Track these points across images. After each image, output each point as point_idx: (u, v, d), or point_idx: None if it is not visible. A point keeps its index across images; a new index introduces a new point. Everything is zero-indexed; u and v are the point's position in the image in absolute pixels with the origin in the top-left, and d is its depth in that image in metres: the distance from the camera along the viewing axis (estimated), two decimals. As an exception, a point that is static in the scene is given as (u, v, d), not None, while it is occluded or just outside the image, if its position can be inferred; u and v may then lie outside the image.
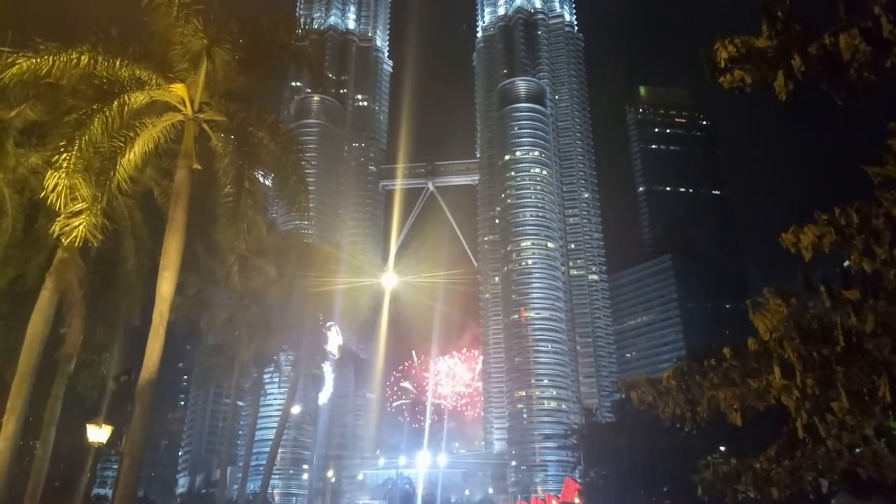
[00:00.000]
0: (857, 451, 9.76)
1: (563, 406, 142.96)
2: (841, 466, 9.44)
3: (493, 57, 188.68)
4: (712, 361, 9.21)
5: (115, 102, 16.57)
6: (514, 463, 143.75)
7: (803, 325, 7.75)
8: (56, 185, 15.32)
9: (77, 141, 15.66)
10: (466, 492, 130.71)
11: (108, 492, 50.64)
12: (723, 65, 7.71)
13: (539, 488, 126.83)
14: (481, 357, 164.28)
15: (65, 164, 15.43)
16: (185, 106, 18.23)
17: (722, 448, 29.28)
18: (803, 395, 7.75)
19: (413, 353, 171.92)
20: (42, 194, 15.96)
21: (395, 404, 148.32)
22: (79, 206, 15.98)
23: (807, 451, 9.18)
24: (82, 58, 16.65)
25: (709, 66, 7.87)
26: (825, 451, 8.75)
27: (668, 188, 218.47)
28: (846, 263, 7.87)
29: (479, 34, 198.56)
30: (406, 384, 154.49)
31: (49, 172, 15.50)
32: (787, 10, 7.42)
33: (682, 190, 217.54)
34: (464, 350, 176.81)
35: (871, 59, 6.89)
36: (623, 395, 46.47)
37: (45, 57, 16.45)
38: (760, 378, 8.48)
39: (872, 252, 7.20)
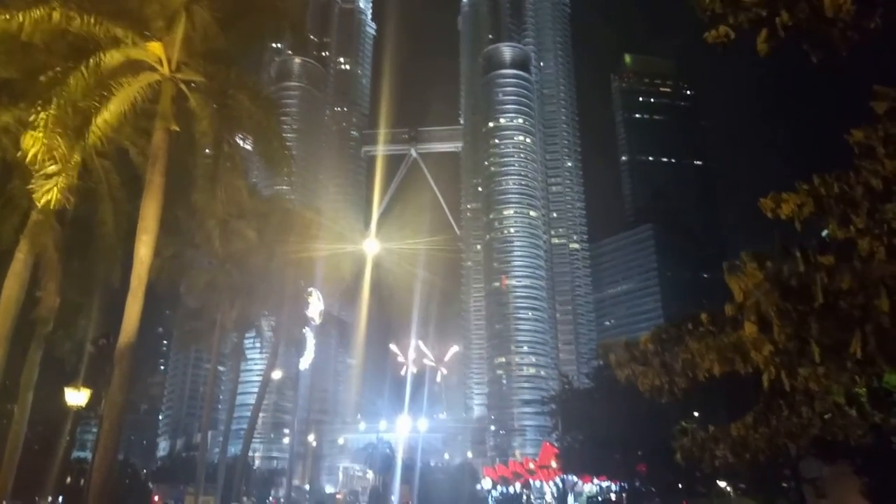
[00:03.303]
0: (827, 416, 10.08)
1: (542, 372, 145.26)
2: (813, 433, 9.74)
3: (479, 21, 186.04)
4: (689, 326, 9.36)
5: (91, 60, 16.10)
6: (493, 427, 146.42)
7: (782, 280, 7.84)
8: (34, 145, 14.93)
9: (54, 99, 15.25)
10: (446, 456, 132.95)
11: (88, 455, 50.79)
12: (710, 6, 7.55)
13: (517, 452, 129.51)
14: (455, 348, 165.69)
15: (42, 123, 15.05)
16: (162, 65, 17.77)
17: (696, 413, 29.99)
18: (776, 349, 7.88)
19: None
20: (18, 154, 15.57)
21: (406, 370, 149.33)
22: (53, 168, 15.63)
23: (782, 417, 9.44)
24: (54, 13, 16.08)
25: (700, 9, 7.73)
26: (798, 417, 9.00)
27: (650, 158, 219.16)
28: (824, 233, 7.97)
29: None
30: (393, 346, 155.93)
31: (27, 132, 15.09)
32: None
33: (665, 160, 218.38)
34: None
35: (855, 18, 6.83)
36: (601, 362, 47.27)
37: (16, 12, 15.88)
38: (735, 332, 8.61)
39: (849, 221, 7.29)
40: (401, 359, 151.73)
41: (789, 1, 6.91)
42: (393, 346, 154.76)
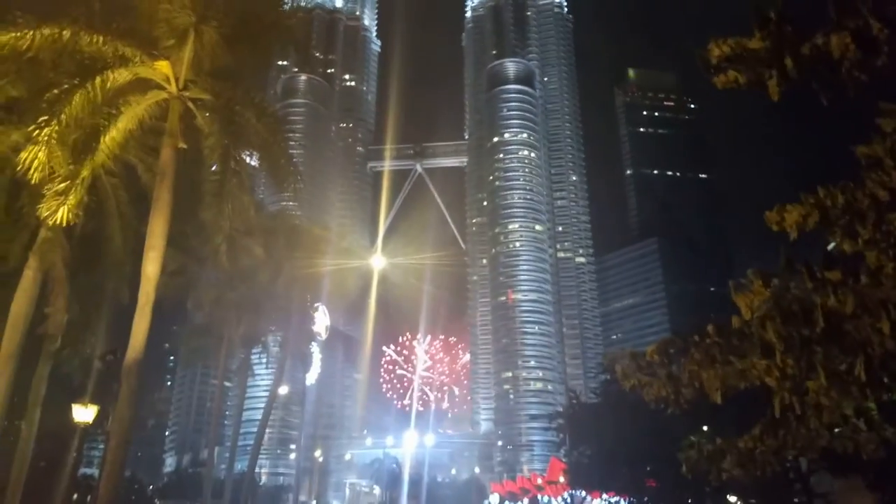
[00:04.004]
0: (837, 430, 9.97)
1: (549, 387, 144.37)
2: (821, 445, 9.66)
3: (482, 37, 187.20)
4: (695, 338, 9.34)
5: (98, 79, 16.28)
6: (500, 443, 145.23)
7: (784, 306, 7.86)
8: (34, 161, 15.02)
9: (57, 116, 15.39)
10: (453, 471, 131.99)
11: (95, 471, 50.69)
12: (716, 62, 7.75)
13: (525, 467, 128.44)
14: (467, 353, 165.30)
15: (44, 139, 15.17)
16: (169, 84, 17.97)
17: (704, 428, 29.77)
18: (783, 375, 7.88)
19: (404, 336, 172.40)
20: (22, 171, 15.67)
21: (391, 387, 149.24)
22: (62, 186, 15.76)
23: (790, 430, 9.37)
24: (64, 33, 16.30)
25: (704, 66, 7.90)
26: (806, 430, 8.94)
27: (655, 171, 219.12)
28: (830, 246, 7.95)
29: (468, 14, 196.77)
30: (389, 351, 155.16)
31: (28, 147, 15.21)
32: (779, 11, 7.47)
33: (669, 173, 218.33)
34: (451, 339, 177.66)
35: (862, 59, 6.96)
36: (608, 376, 46.98)
37: (26, 31, 16.09)
38: (743, 358, 8.62)
39: (855, 233, 7.29)
40: (400, 371, 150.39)
41: (793, 48, 7.04)
42: (387, 349, 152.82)
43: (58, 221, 15.82)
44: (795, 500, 29.80)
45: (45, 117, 15.48)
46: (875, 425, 9.68)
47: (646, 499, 47.57)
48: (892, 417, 9.75)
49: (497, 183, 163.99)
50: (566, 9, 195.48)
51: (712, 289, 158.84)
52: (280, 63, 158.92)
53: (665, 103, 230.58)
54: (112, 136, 16.68)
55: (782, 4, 7.47)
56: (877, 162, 7.53)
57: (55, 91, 16.08)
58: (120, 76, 16.88)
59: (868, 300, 7.06)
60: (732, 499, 36.57)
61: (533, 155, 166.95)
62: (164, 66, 17.81)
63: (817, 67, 7.15)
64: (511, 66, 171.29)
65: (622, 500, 62.10)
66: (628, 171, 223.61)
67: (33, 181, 15.46)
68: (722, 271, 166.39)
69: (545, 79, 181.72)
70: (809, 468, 27.87)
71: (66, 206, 15.60)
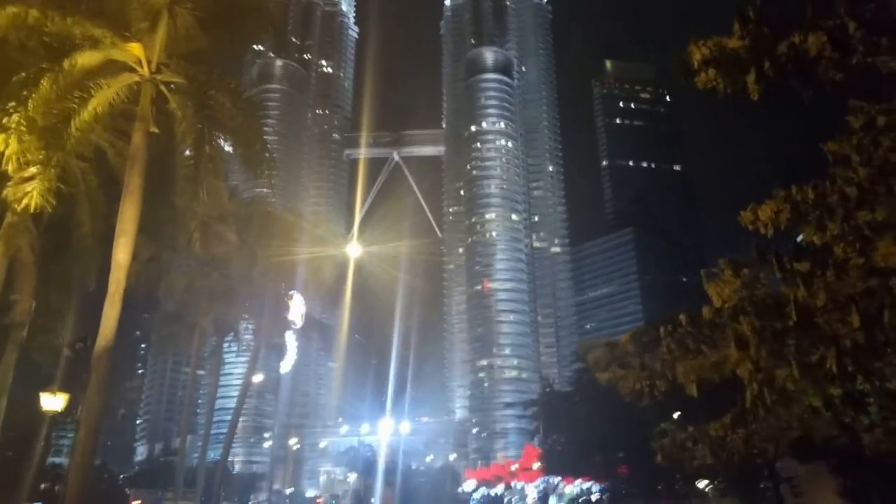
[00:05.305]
0: (804, 417, 10.23)
1: (524, 375, 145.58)
2: (791, 436, 9.93)
3: (461, 26, 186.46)
4: (668, 327, 9.48)
5: (67, 61, 15.87)
6: (475, 430, 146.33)
7: (758, 299, 8.02)
8: (7, 148, 14.63)
9: (25, 101, 14.97)
10: (428, 458, 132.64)
11: (65, 460, 49.94)
12: (697, 66, 7.86)
13: (499, 454, 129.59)
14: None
15: (13, 126, 14.77)
16: (141, 66, 17.59)
17: (675, 415, 30.28)
18: (756, 367, 8.04)
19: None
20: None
21: None
22: (31, 171, 15.37)
23: (760, 420, 9.59)
24: (31, 12, 15.85)
25: (683, 69, 8.00)
26: (776, 420, 9.16)
27: (630, 163, 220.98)
28: (799, 238, 8.12)
29: (447, 2, 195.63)
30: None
31: None
32: (758, 11, 7.59)
33: (645, 165, 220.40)
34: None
35: (837, 58, 7.09)
36: (582, 365, 47.56)
37: (-9, 10, 15.61)
38: (717, 350, 8.79)
39: (825, 227, 7.46)
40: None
41: (771, 47, 7.15)
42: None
43: (28, 208, 15.44)
44: (762, 484, 30.52)
45: (14, 103, 15.06)
46: (838, 411, 9.96)
47: (618, 484, 48.40)
48: (855, 405, 10.03)
49: (474, 172, 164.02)
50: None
51: (685, 279, 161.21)
52: (255, 47, 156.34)
53: (641, 95, 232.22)
54: (82, 120, 16.28)
55: (761, 4, 7.59)
56: (844, 158, 7.70)
57: (23, 74, 15.64)
58: (90, 58, 16.47)
59: (838, 294, 7.23)
60: (702, 484, 37.38)
61: (510, 145, 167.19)
62: (135, 49, 17.41)
63: (794, 66, 7.27)
64: (489, 55, 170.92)
65: (595, 485, 63.04)
66: (604, 163, 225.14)
67: (6, 170, 15.07)
68: (695, 261, 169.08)
69: (523, 69, 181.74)
70: (776, 454, 28.55)
71: (36, 192, 15.23)
